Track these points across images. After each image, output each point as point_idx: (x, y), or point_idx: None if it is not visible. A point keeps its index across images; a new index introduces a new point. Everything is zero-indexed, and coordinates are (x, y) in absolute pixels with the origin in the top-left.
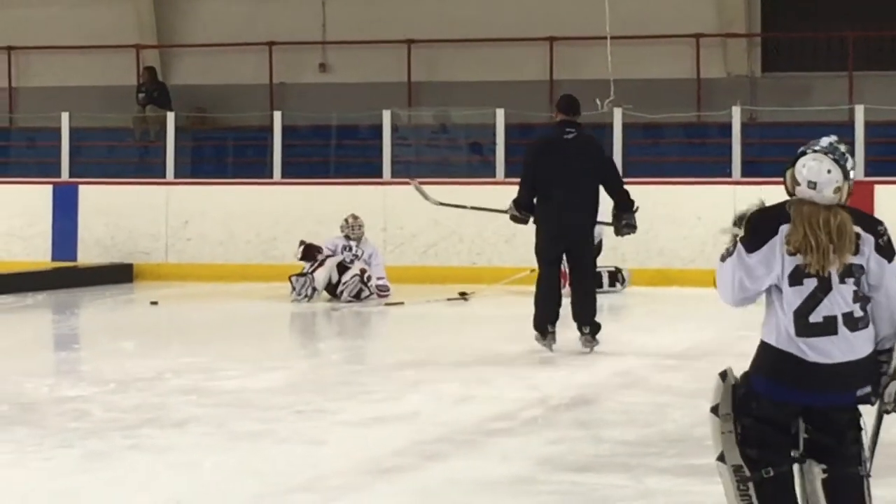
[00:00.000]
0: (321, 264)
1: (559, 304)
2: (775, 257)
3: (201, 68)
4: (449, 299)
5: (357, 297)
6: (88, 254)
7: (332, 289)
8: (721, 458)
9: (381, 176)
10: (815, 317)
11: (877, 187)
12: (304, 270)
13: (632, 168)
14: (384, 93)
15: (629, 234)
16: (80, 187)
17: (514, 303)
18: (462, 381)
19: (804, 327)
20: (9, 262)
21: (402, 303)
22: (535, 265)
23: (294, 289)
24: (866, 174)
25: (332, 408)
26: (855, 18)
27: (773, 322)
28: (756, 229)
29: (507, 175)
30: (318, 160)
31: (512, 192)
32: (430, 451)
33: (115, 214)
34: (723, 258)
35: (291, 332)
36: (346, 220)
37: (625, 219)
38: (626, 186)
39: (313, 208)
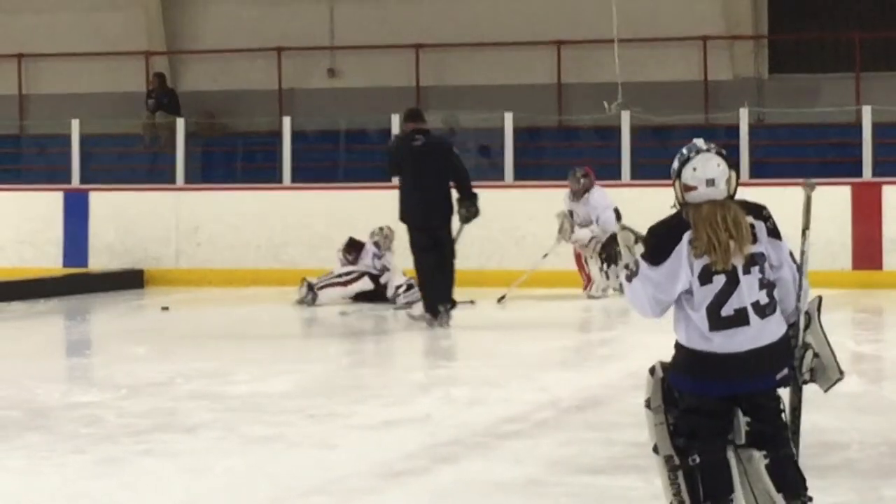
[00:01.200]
0: (343, 284)
1: (449, 286)
2: (682, 265)
3: (210, 74)
4: (459, 302)
5: (407, 291)
6: (99, 260)
7: (378, 295)
8: (655, 450)
9: (390, 181)
10: (727, 310)
11: (884, 188)
12: (318, 282)
13: (640, 170)
14: (393, 97)
15: (468, 222)
16: (91, 194)
17: (523, 305)
18: (473, 384)
19: (717, 321)
20: (20, 269)
21: (472, 302)
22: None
23: (300, 289)
24: (874, 175)
25: (344, 411)
26: (862, 19)
27: (683, 323)
28: (657, 244)
29: (515, 178)
30: (328, 165)
31: (520, 194)
32: (442, 453)
33: (125, 220)
34: (628, 278)
35: (302, 336)
36: (382, 231)
37: (464, 206)
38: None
39: (323, 213)
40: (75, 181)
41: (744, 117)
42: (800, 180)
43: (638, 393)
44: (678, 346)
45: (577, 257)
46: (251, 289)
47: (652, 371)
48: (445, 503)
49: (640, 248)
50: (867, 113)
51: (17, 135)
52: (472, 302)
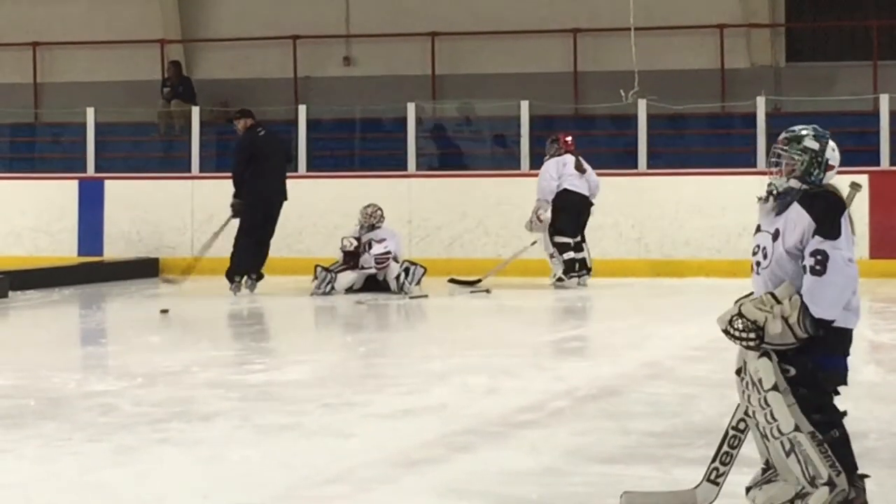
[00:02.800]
0: (351, 267)
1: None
2: (847, 233)
3: (226, 62)
4: (472, 291)
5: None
6: (114, 248)
7: (382, 284)
8: (797, 429)
9: (405, 169)
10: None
11: None
12: (332, 267)
13: (657, 159)
14: (408, 85)
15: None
16: (106, 182)
17: (539, 294)
18: (489, 373)
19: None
20: (35, 258)
21: (488, 291)
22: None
23: (316, 278)
24: (892, 163)
25: (360, 400)
26: (879, 7)
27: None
28: (836, 219)
29: (531, 167)
30: (343, 153)
31: (536, 183)
32: (459, 442)
33: (140, 209)
34: (819, 273)
35: (318, 325)
36: (361, 210)
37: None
38: None
39: (338, 201)
40: (90, 170)
41: (761, 106)
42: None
43: (654, 382)
44: (834, 329)
45: None
46: (266, 278)
47: (769, 356)
48: (461, 492)
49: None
50: (885, 101)
51: (32, 123)
52: (487, 291)
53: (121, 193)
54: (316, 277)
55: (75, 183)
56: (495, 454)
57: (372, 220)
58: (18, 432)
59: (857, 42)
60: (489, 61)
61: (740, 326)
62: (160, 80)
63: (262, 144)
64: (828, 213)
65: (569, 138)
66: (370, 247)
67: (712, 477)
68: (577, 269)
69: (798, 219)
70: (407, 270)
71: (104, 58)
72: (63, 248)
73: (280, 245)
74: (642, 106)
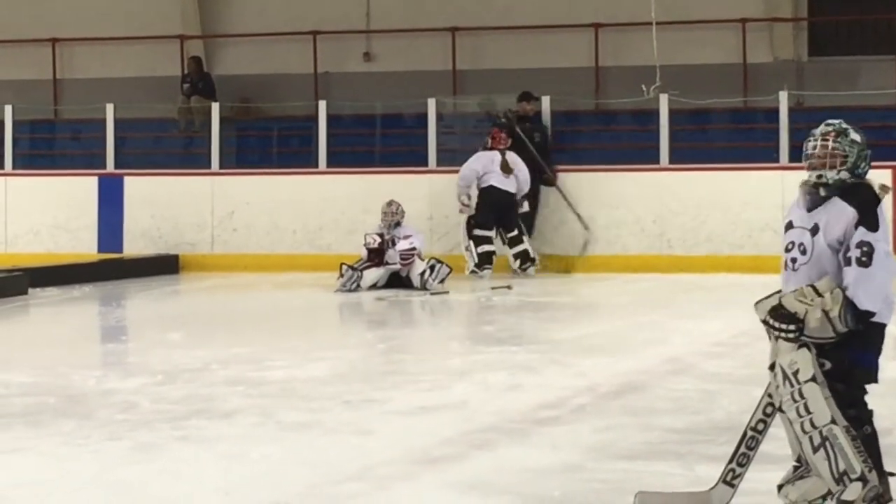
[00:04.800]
0: (377, 264)
1: None
2: (884, 227)
3: (246, 58)
4: (493, 288)
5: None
6: (134, 245)
7: (405, 281)
8: (833, 422)
9: (426, 165)
10: None
11: None
12: (357, 265)
13: (678, 154)
14: (429, 81)
15: None
16: (126, 178)
17: (558, 291)
18: (509, 370)
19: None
20: (55, 254)
21: (509, 287)
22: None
23: (342, 276)
24: None
25: (380, 397)
26: None
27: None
28: (877, 211)
29: (553, 162)
30: (364, 149)
31: (559, 179)
32: (480, 439)
33: (160, 205)
34: (865, 265)
35: (338, 321)
36: (384, 212)
37: None
38: None
39: (359, 198)
40: (110, 166)
41: (783, 100)
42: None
43: (676, 378)
44: (871, 324)
45: None
46: (287, 274)
47: (808, 347)
48: (483, 489)
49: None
50: None
51: (51, 120)
52: (508, 287)
53: (140, 190)
54: (342, 275)
55: (95, 179)
56: (516, 451)
57: (397, 216)
58: (38, 430)
59: (880, 36)
60: (510, 56)
61: (778, 316)
62: (180, 76)
63: None
64: (870, 205)
65: (502, 135)
66: (394, 243)
67: (728, 478)
68: (521, 261)
69: (841, 212)
70: (432, 268)
71: (123, 54)
72: (83, 245)
73: (301, 241)
74: (664, 101)
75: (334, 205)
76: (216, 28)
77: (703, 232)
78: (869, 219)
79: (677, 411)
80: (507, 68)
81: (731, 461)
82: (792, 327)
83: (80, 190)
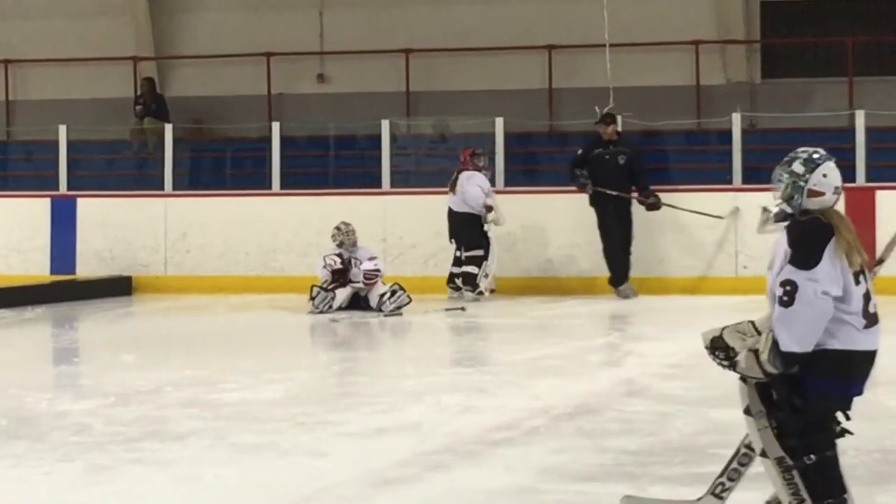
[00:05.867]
0: (342, 284)
1: None
2: (835, 266)
3: (199, 80)
4: (447, 310)
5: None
6: (87, 267)
7: (362, 302)
8: (763, 454)
9: (380, 186)
10: (871, 307)
11: (878, 193)
12: (326, 285)
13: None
14: (382, 103)
15: None
16: (79, 200)
17: (513, 313)
18: (464, 392)
19: (868, 319)
20: (7, 276)
21: (463, 308)
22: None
23: (313, 297)
24: (868, 180)
25: (335, 419)
26: (854, 24)
27: (836, 326)
28: (811, 249)
29: (506, 184)
30: (317, 171)
31: (512, 200)
32: (434, 461)
33: (113, 227)
34: (786, 304)
35: (292, 343)
36: (339, 229)
37: None
38: None
39: (312, 219)
40: (63, 188)
41: (736, 122)
42: None
43: (630, 400)
44: (824, 353)
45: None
46: (241, 296)
47: (744, 379)
48: None
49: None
50: (860, 117)
51: (4, 141)
52: (462, 309)
53: (93, 212)
54: (313, 297)
55: (48, 201)
56: (470, 473)
57: (354, 237)
58: None
59: (833, 58)
60: (464, 78)
61: (718, 347)
62: (133, 97)
63: None
64: (802, 240)
65: (465, 155)
66: (358, 263)
67: (717, 491)
68: (462, 280)
69: (781, 247)
70: (394, 293)
71: (77, 75)
72: (35, 267)
73: (254, 263)
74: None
75: (288, 226)
76: (169, 49)
77: (658, 253)
78: (798, 255)
79: (631, 433)
80: (460, 90)
81: (721, 475)
82: (723, 358)
83: (33, 211)
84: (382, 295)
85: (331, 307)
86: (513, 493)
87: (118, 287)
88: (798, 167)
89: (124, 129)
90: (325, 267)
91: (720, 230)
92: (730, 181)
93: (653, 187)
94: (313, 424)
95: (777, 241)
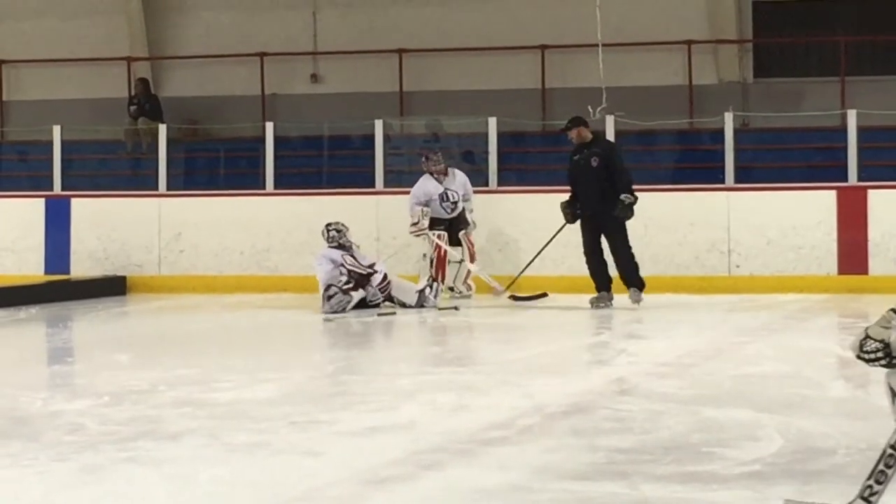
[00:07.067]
0: (354, 287)
1: None
2: None
3: (193, 80)
4: (440, 309)
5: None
6: (81, 266)
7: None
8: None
9: (373, 186)
10: None
11: (870, 192)
12: (342, 287)
13: None
14: (376, 102)
15: None
16: (73, 200)
17: (506, 312)
18: (457, 391)
19: None
20: (1, 276)
21: (456, 308)
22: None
23: (329, 298)
24: (859, 179)
25: (328, 418)
26: (846, 23)
27: None
28: None
29: (499, 183)
30: (311, 171)
31: (505, 200)
32: (427, 460)
33: (107, 227)
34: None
35: (286, 342)
36: (339, 231)
37: None
38: None
39: (306, 219)
40: (57, 188)
41: (728, 122)
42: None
43: (622, 398)
44: None
45: (441, 258)
46: (234, 296)
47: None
48: None
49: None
50: (852, 117)
51: None
52: (455, 308)
53: (87, 211)
54: (330, 297)
55: (42, 201)
56: (464, 472)
57: (350, 238)
58: None
59: (825, 58)
60: (457, 78)
61: (870, 348)
62: (127, 97)
63: None
64: None
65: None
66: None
67: (866, 495)
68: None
69: None
70: (431, 286)
71: (70, 75)
72: (29, 267)
73: (248, 263)
74: (610, 122)
75: (281, 226)
76: (163, 50)
77: (649, 252)
78: None
79: (623, 431)
80: (454, 90)
81: (869, 478)
82: (881, 354)
83: (27, 211)
84: (421, 291)
85: (344, 309)
86: (506, 491)
87: (112, 287)
88: None
89: (118, 129)
90: (342, 272)
91: (713, 229)
92: (722, 180)
93: (646, 186)
94: (307, 423)
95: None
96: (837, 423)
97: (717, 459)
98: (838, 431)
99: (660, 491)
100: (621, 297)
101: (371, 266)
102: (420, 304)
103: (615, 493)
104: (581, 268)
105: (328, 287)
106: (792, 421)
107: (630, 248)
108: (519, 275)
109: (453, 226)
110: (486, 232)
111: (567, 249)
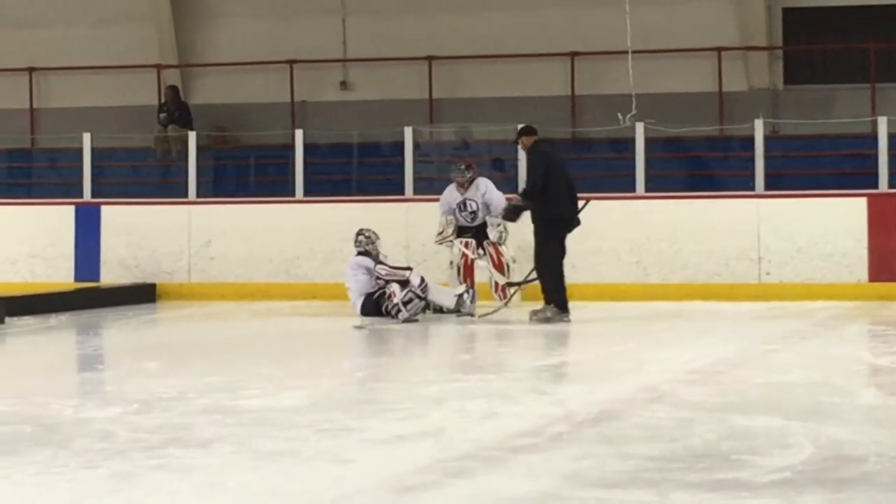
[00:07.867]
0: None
1: None
2: None
3: (222, 87)
4: (477, 315)
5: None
6: (111, 274)
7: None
8: None
9: (403, 193)
10: None
11: None
12: (420, 292)
13: (655, 182)
14: (405, 110)
15: None
16: (103, 208)
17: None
18: (486, 398)
19: None
20: (32, 283)
21: (472, 315)
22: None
23: (406, 304)
24: (890, 186)
25: (357, 426)
26: (876, 30)
27: None
28: None
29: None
30: (340, 178)
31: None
32: (456, 468)
33: (137, 234)
34: None
35: (314, 350)
36: (368, 238)
37: None
38: None
39: (335, 226)
40: (87, 195)
41: (759, 129)
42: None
43: (652, 406)
44: None
45: (468, 266)
46: (263, 303)
47: None
48: None
49: None
50: (883, 124)
51: (28, 149)
52: (471, 315)
53: (117, 219)
54: (406, 302)
55: (72, 209)
56: (493, 479)
57: (379, 248)
58: (14, 459)
59: (855, 65)
60: (486, 85)
61: None
62: (157, 105)
63: (554, 162)
64: None
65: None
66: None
67: None
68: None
69: None
70: (468, 291)
71: (101, 83)
72: (60, 274)
73: (277, 270)
74: (640, 129)
75: (311, 234)
76: (193, 57)
77: (679, 260)
78: None
79: (653, 439)
80: (483, 97)
81: None
82: None
83: (57, 219)
84: (461, 295)
85: (416, 313)
86: (535, 499)
87: (142, 294)
88: None
89: (148, 136)
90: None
91: (743, 236)
92: (752, 188)
93: (675, 193)
94: (335, 431)
95: None
96: (868, 431)
97: (746, 467)
98: (868, 439)
99: (689, 499)
100: (638, 306)
101: (407, 269)
102: (458, 307)
103: (645, 501)
104: (612, 275)
105: (405, 292)
106: (822, 429)
107: (547, 254)
108: (523, 280)
109: (479, 234)
110: (516, 241)
111: (599, 257)
